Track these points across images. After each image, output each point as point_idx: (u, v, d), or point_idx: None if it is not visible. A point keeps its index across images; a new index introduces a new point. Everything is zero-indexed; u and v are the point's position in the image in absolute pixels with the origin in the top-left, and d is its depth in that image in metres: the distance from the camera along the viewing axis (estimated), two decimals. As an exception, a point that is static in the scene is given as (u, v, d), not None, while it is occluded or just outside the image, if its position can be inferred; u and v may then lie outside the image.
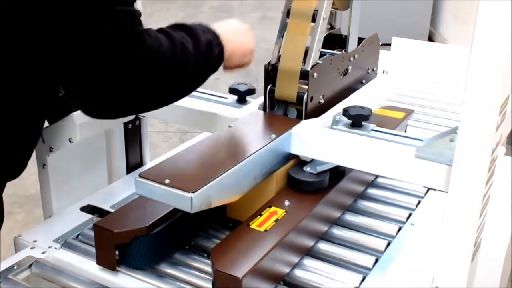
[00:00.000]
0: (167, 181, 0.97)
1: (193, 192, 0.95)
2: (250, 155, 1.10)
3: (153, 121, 1.51)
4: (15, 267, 1.12)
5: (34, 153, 1.31)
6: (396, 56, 2.40)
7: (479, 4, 0.94)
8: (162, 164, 1.07)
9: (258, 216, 1.11)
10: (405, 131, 1.49)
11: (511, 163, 1.40)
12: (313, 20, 1.26)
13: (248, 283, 0.95)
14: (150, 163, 1.58)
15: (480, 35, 0.96)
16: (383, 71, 1.57)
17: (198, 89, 1.48)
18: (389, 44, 2.46)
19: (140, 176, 1.00)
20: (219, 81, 4.61)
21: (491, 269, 1.22)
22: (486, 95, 0.98)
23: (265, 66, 1.29)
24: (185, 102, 1.39)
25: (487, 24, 0.95)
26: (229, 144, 1.18)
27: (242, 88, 1.43)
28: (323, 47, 1.30)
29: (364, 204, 1.36)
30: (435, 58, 2.37)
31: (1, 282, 1.08)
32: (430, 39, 5.34)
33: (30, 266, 1.14)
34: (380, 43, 1.56)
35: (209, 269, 1.05)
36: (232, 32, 1.21)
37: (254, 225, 1.08)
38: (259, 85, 1.37)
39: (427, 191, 1.41)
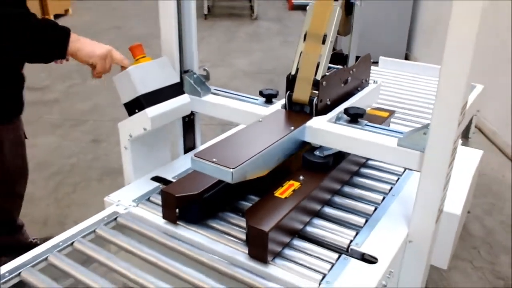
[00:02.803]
0: (214, 159, 0.98)
1: (233, 168, 0.96)
2: (275, 142, 1.10)
3: (202, 116, 1.51)
4: (105, 219, 1.15)
5: (118, 137, 1.33)
6: (383, 70, 2.38)
7: (448, 36, 0.93)
8: (211, 147, 1.08)
9: (280, 187, 1.11)
10: (389, 126, 1.47)
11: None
12: (323, 42, 1.25)
13: (272, 235, 0.97)
14: (200, 146, 1.59)
15: (448, 58, 0.96)
16: (374, 81, 1.55)
17: (235, 92, 1.49)
18: (377, 62, 2.44)
19: (195, 155, 1.01)
20: (251, 87, 4.62)
21: (450, 227, 1.21)
22: (451, 99, 0.98)
23: (286, 76, 1.29)
24: (227, 102, 1.40)
25: (454, 50, 0.95)
26: (259, 134, 1.17)
27: (269, 92, 1.42)
28: (329, 62, 1.30)
29: (358, 179, 1.35)
30: (410, 72, 2.35)
31: (96, 229, 1.10)
32: (406, 58, 5.32)
33: (115, 218, 1.16)
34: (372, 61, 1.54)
35: (244, 224, 1.06)
36: (88, 40, 1.29)
37: (277, 193, 1.09)
38: (281, 90, 1.36)
39: (404, 170, 1.40)
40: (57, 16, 7.60)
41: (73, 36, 1.25)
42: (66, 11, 7.76)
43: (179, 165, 1.43)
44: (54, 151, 3.09)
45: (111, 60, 1.30)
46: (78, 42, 1.26)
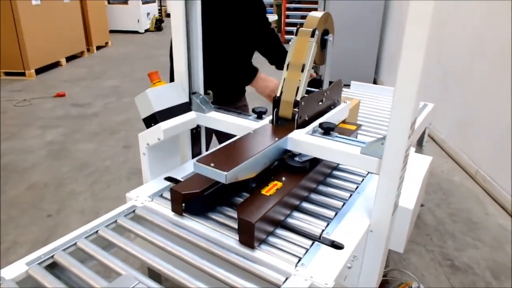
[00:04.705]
0: (212, 164, 0.97)
1: (227, 171, 0.94)
2: (262, 150, 1.08)
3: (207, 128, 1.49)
4: (125, 211, 1.14)
5: (138, 147, 1.31)
6: (354, 92, 2.36)
7: (399, 68, 0.92)
8: (210, 154, 1.06)
9: (266, 186, 1.09)
10: (357, 137, 1.46)
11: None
12: (302, 70, 1.24)
13: (258, 225, 0.95)
14: (205, 152, 1.57)
15: (400, 85, 0.94)
16: (344, 101, 1.54)
17: (234, 110, 1.47)
18: (349, 85, 2.43)
19: (197, 161, 0.99)
20: (247, 106, 4.60)
21: (404, 219, 1.19)
22: (403, 116, 0.96)
23: (273, 97, 1.27)
24: (225, 117, 1.39)
25: (404, 80, 0.93)
26: (250, 143, 1.16)
27: (260, 109, 1.41)
28: (308, 86, 1.28)
29: (330, 180, 1.33)
30: (376, 94, 2.33)
31: (117, 220, 1.08)
32: (374, 82, 5.29)
33: (133, 211, 1.15)
34: (343, 84, 1.53)
35: (236, 216, 1.04)
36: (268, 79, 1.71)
37: (263, 191, 1.07)
38: (269, 108, 1.35)
39: (367, 173, 1.37)
40: (99, 47, 7.61)
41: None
42: (106, 43, 7.78)
43: (188, 168, 1.41)
44: (93, 154, 3.08)
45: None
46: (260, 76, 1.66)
